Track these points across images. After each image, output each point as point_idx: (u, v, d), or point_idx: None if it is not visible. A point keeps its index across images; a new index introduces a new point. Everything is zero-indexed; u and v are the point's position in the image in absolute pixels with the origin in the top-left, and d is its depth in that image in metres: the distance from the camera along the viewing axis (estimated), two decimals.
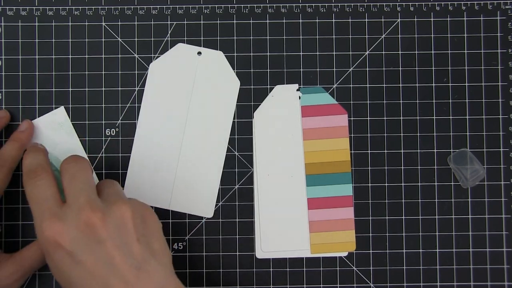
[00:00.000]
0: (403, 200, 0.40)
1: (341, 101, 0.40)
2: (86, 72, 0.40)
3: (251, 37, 0.40)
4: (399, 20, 0.40)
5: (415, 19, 0.40)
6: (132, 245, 0.30)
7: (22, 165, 0.33)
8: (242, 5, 0.40)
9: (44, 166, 0.33)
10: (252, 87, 0.40)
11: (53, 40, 0.40)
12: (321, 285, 0.39)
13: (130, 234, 0.30)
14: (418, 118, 0.40)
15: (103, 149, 0.40)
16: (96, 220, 0.29)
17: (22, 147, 0.37)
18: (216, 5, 0.40)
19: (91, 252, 0.29)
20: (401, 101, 0.40)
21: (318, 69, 0.40)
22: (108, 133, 0.40)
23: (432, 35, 0.40)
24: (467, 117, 0.40)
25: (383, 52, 0.40)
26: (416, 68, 0.40)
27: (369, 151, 0.40)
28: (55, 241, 0.29)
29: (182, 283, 0.39)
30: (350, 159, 0.40)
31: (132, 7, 0.40)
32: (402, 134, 0.40)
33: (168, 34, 0.40)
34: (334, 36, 0.40)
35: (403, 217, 0.40)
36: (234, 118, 0.40)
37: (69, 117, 0.40)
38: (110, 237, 0.29)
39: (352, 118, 0.40)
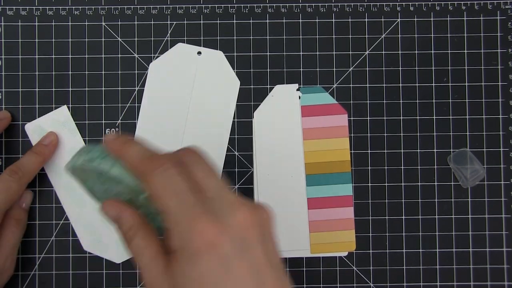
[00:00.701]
0: (403, 200, 0.40)
1: (341, 101, 0.40)
2: (86, 72, 0.40)
3: (251, 37, 0.40)
4: (399, 20, 0.40)
5: (415, 19, 0.40)
6: (274, 254, 0.26)
7: (127, 161, 0.26)
8: (242, 5, 0.40)
9: (163, 154, 0.27)
10: (252, 87, 0.40)
11: (53, 40, 0.40)
12: (321, 285, 0.39)
13: (270, 242, 0.26)
14: (418, 118, 0.40)
15: None
16: (251, 220, 0.25)
17: (44, 161, 0.38)
18: (216, 5, 0.40)
19: (243, 258, 0.25)
20: (401, 101, 0.40)
21: (318, 69, 0.40)
22: (108, 133, 0.40)
23: (432, 35, 0.40)
24: (467, 117, 0.40)
25: (383, 52, 0.40)
26: (416, 68, 0.40)
27: (369, 151, 0.40)
28: (212, 243, 0.24)
29: None
30: (350, 159, 0.40)
31: (132, 7, 0.40)
32: (402, 134, 0.40)
33: (168, 34, 0.40)
34: (334, 36, 0.40)
35: (403, 217, 0.40)
36: (234, 118, 0.40)
37: None
38: (259, 242, 0.25)
39: (352, 118, 0.40)
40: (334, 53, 0.40)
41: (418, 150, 0.40)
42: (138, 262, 0.26)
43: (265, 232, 0.26)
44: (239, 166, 0.40)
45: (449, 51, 0.40)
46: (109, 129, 0.40)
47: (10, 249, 0.37)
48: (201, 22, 0.40)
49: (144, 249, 0.26)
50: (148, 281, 0.26)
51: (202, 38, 0.40)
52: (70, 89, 0.40)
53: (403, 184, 0.40)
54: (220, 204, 0.25)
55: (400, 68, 0.40)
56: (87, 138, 0.40)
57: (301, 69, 0.40)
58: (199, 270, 0.24)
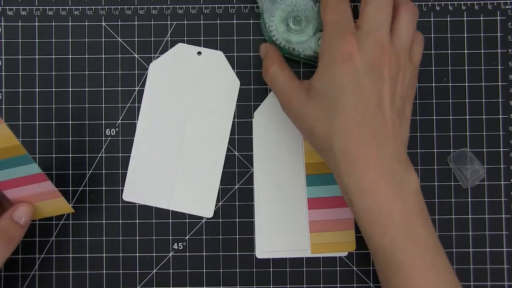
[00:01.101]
0: None
1: None
2: (86, 72, 0.40)
3: (251, 37, 0.40)
4: None
5: None
6: (397, 97, 0.32)
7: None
8: (242, 5, 0.40)
9: None
10: (252, 87, 0.40)
11: (53, 40, 0.40)
12: (321, 285, 0.39)
13: (399, 88, 0.32)
14: (418, 118, 0.40)
15: (103, 149, 0.40)
16: (386, 59, 0.31)
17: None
18: (216, 5, 0.40)
19: (372, 80, 0.30)
20: None
21: None
22: (108, 133, 0.40)
23: (432, 35, 0.40)
24: (467, 117, 0.40)
25: None
26: None
27: None
28: (349, 54, 0.30)
29: (182, 283, 0.40)
30: None
31: (132, 7, 0.40)
32: None
33: (168, 34, 0.40)
34: None
35: None
36: (234, 118, 0.40)
37: (69, 117, 0.40)
38: (389, 78, 0.31)
39: None
40: None
41: (418, 150, 0.40)
42: (275, 84, 0.34)
43: (399, 74, 0.32)
44: (239, 166, 0.40)
45: (449, 51, 0.40)
46: (109, 129, 0.40)
47: None
48: (201, 22, 0.40)
49: (278, 74, 0.34)
50: (285, 96, 0.34)
51: (202, 38, 0.40)
52: (70, 89, 0.40)
53: None
54: (370, 37, 0.31)
55: None
56: (87, 139, 0.40)
57: (301, 69, 0.40)
58: (335, 74, 0.31)
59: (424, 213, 0.32)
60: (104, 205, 0.39)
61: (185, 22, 0.40)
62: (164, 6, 0.40)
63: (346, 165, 0.31)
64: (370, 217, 0.30)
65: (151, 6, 0.40)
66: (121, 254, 0.39)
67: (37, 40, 0.40)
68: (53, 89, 0.40)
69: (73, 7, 0.40)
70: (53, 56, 0.40)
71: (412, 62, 0.34)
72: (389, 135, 0.31)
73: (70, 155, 0.39)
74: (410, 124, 0.40)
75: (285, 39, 0.37)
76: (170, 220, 0.39)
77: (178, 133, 0.39)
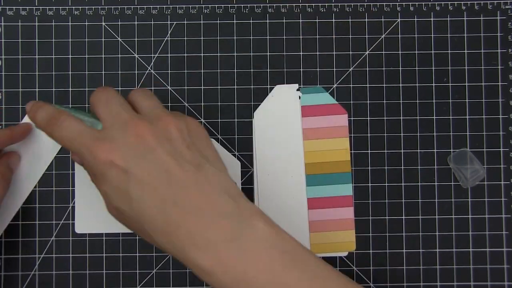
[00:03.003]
0: (403, 200, 0.40)
1: (341, 101, 0.40)
2: (86, 72, 0.40)
3: (251, 37, 0.40)
4: (399, 20, 0.40)
5: (415, 19, 0.40)
6: (183, 152, 0.29)
7: (36, 123, 0.32)
8: (242, 5, 0.40)
9: (58, 109, 0.32)
10: (252, 87, 0.40)
11: (53, 40, 0.40)
12: None
13: (179, 143, 0.29)
14: (418, 118, 0.40)
15: None
16: (144, 128, 0.29)
17: (12, 137, 0.36)
18: (216, 5, 0.40)
19: (145, 163, 0.28)
20: (401, 101, 0.40)
21: (318, 69, 0.40)
22: None
23: (432, 35, 0.40)
24: (467, 117, 0.40)
25: (383, 52, 0.40)
26: (416, 68, 0.40)
27: (369, 151, 0.40)
28: (109, 161, 0.28)
29: (182, 283, 0.39)
30: (350, 159, 0.40)
31: (132, 7, 0.40)
32: (402, 134, 0.40)
33: (168, 34, 0.40)
34: (334, 36, 0.40)
35: (403, 217, 0.40)
36: (234, 118, 0.40)
37: None
38: (161, 145, 0.28)
39: (352, 118, 0.40)
40: (334, 53, 0.40)
41: (418, 150, 0.40)
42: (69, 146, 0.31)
43: (169, 134, 0.29)
44: None
45: (449, 51, 0.40)
46: None
47: None
48: (201, 22, 0.40)
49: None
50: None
51: (202, 38, 0.40)
52: (70, 89, 0.40)
53: (403, 184, 0.40)
54: (118, 124, 0.29)
55: (400, 68, 0.40)
56: None
57: (301, 69, 0.40)
58: (110, 184, 0.28)
59: (287, 255, 0.28)
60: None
61: (185, 22, 0.40)
62: (164, 6, 0.40)
63: (182, 255, 0.28)
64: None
65: (151, 6, 0.40)
66: (121, 254, 0.39)
67: (37, 40, 0.40)
68: (53, 89, 0.40)
69: (73, 7, 0.40)
70: (53, 56, 0.40)
71: (159, 116, 0.30)
72: (198, 197, 0.28)
73: (70, 155, 0.39)
74: (410, 124, 0.40)
75: None
76: None
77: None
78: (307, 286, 0.27)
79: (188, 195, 0.28)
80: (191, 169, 0.28)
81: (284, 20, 0.40)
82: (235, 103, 0.40)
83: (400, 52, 0.40)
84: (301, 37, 0.40)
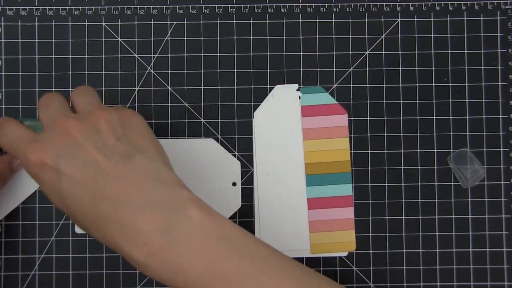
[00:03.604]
0: (403, 200, 0.40)
1: (341, 101, 0.40)
2: (86, 72, 0.40)
3: (251, 37, 0.40)
4: (399, 20, 0.40)
5: (415, 19, 0.40)
6: (112, 145, 0.29)
7: None
8: (242, 5, 0.40)
9: (5, 118, 0.33)
10: (252, 87, 0.40)
11: (53, 40, 0.40)
12: None
13: (108, 135, 0.29)
14: (418, 118, 0.40)
15: None
16: (71, 125, 0.29)
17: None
18: (216, 5, 0.40)
19: (73, 160, 0.28)
20: (401, 101, 0.40)
21: (318, 69, 0.40)
22: None
23: (432, 35, 0.40)
24: (467, 117, 0.40)
25: (383, 52, 0.40)
26: (416, 68, 0.40)
27: (369, 151, 0.40)
28: (40, 162, 0.28)
29: None
30: (350, 159, 0.40)
31: (132, 7, 0.40)
32: (402, 134, 0.40)
33: (168, 34, 0.40)
34: (334, 36, 0.40)
35: (403, 217, 0.40)
36: (234, 118, 0.40)
37: None
38: (88, 140, 0.28)
39: (352, 118, 0.40)
40: (334, 53, 0.40)
41: (418, 150, 0.40)
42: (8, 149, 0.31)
43: (99, 125, 0.29)
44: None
45: (449, 51, 0.40)
46: None
47: None
48: (201, 22, 0.40)
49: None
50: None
51: (202, 38, 0.40)
52: (70, 89, 0.40)
53: (403, 184, 0.40)
54: (51, 125, 0.30)
55: (400, 68, 0.40)
56: None
57: (301, 69, 0.40)
58: (43, 187, 0.29)
59: (224, 242, 0.27)
60: None
61: (185, 22, 0.40)
62: (164, 6, 0.40)
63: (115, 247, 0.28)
64: (169, 281, 0.27)
65: (151, 6, 0.40)
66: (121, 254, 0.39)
67: (37, 40, 0.40)
68: (53, 89, 0.40)
69: (73, 7, 0.40)
70: (53, 56, 0.40)
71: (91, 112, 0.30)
72: (124, 188, 0.27)
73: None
74: (410, 124, 0.40)
75: None
76: None
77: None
78: (246, 270, 0.26)
79: (117, 187, 0.27)
80: (120, 160, 0.28)
81: (284, 20, 0.40)
82: (235, 103, 0.40)
83: (400, 52, 0.40)
84: (301, 37, 0.40)
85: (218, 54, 0.40)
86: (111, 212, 0.27)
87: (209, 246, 0.27)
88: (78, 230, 0.39)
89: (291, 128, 0.40)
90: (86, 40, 0.40)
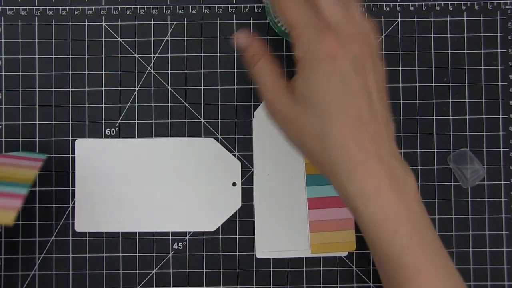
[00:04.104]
0: None
1: None
2: (86, 72, 0.40)
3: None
4: (399, 20, 0.40)
5: (415, 19, 0.40)
6: (382, 90, 0.30)
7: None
8: (242, 5, 0.40)
9: None
10: (252, 87, 0.40)
11: (53, 40, 0.40)
12: (321, 285, 0.39)
13: (381, 78, 0.30)
14: (418, 118, 0.40)
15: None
16: (368, 49, 0.29)
17: None
18: (216, 5, 0.40)
19: (358, 76, 0.29)
20: (401, 101, 0.40)
21: None
22: (108, 133, 0.40)
23: (432, 35, 0.40)
24: (467, 117, 0.40)
25: (383, 52, 0.40)
26: (416, 68, 0.40)
27: None
28: (334, 54, 0.28)
29: (182, 283, 0.39)
30: None
31: (132, 7, 0.40)
32: (402, 134, 0.40)
33: (168, 34, 0.40)
34: None
35: None
36: (234, 118, 0.40)
37: (69, 117, 0.40)
38: (372, 69, 0.29)
39: None
40: None
41: (418, 150, 0.40)
42: (260, 81, 0.32)
43: (376, 63, 0.30)
44: None
45: (449, 51, 0.40)
46: (109, 129, 0.40)
47: None
48: (201, 22, 0.40)
49: (265, 69, 0.32)
50: (269, 96, 0.31)
51: (202, 38, 0.40)
52: (70, 89, 0.40)
53: None
54: (341, 31, 0.29)
55: (400, 68, 0.40)
56: (87, 138, 0.40)
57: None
58: (320, 76, 0.28)
59: (426, 214, 0.31)
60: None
61: (185, 22, 0.40)
62: (164, 6, 0.40)
63: (347, 170, 0.29)
64: (377, 223, 0.29)
65: (151, 6, 0.40)
66: (121, 254, 0.39)
67: (37, 40, 0.40)
68: (53, 89, 0.40)
69: (73, 7, 0.40)
70: (53, 56, 0.40)
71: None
72: (383, 133, 0.29)
73: (70, 155, 0.39)
74: (410, 124, 0.40)
75: None
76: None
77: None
78: (438, 247, 0.30)
79: (378, 128, 0.29)
80: (384, 110, 0.30)
81: None
82: (235, 103, 0.40)
83: (400, 52, 0.40)
84: None
85: (218, 54, 0.40)
86: (367, 143, 0.29)
87: (419, 211, 0.30)
88: (78, 228, 0.39)
89: None
90: (86, 40, 0.40)
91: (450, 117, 0.40)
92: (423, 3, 0.40)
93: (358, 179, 0.28)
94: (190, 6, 0.40)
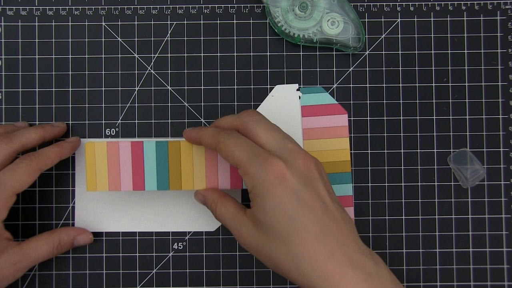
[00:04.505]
0: (403, 200, 0.40)
1: (341, 101, 0.40)
2: (86, 72, 0.40)
3: (251, 37, 0.40)
4: (399, 20, 0.40)
5: (415, 19, 0.40)
6: (331, 192, 0.32)
7: (204, 140, 0.33)
8: (242, 5, 0.40)
9: (227, 119, 0.34)
10: (252, 87, 0.40)
11: (53, 40, 0.40)
12: None
13: (327, 183, 0.32)
14: (418, 118, 0.40)
15: None
16: (311, 161, 0.31)
17: (62, 153, 0.37)
18: (216, 5, 0.40)
19: (310, 189, 0.30)
20: (401, 101, 0.40)
21: (318, 69, 0.40)
22: (108, 133, 0.40)
23: (432, 35, 0.40)
24: (467, 117, 0.40)
25: (383, 52, 0.40)
26: (416, 68, 0.40)
27: (369, 151, 0.40)
28: (282, 175, 0.30)
29: (182, 283, 0.39)
30: (350, 159, 0.40)
31: (132, 7, 0.40)
32: (402, 134, 0.40)
33: (168, 34, 0.40)
34: None
35: (403, 217, 0.40)
36: None
37: (69, 117, 0.40)
38: (320, 178, 0.31)
39: (352, 118, 0.40)
40: (334, 53, 0.40)
41: (418, 150, 0.40)
42: (225, 222, 0.33)
43: (322, 173, 0.32)
44: None
45: (449, 51, 0.40)
46: (109, 129, 0.40)
47: (31, 260, 0.35)
48: (201, 22, 0.40)
49: (226, 211, 0.33)
50: (236, 232, 0.32)
51: (202, 38, 0.40)
52: (70, 89, 0.40)
53: (403, 184, 0.40)
54: (282, 153, 0.31)
55: (400, 68, 0.40)
56: (87, 139, 0.40)
57: (301, 69, 0.40)
58: (273, 200, 0.30)
59: None
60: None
61: (185, 22, 0.40)
62: (164, 6, 0.40)
63: (321, 281, 0.29)
64: None
65: (151, 6, 0.40)
66: (121, 254, 0.39)
67: (37, 40, 0.40)
68: (53, 89, 0.40)
69: (73, 7, 0.40)
70: (53, 56, 0.40)
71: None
72: (346, 233, 0.30)
73: (70, 155, 0.39)
74: (410, 124, 0.40)
75: (295, 28, 0.38)
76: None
77: None
78: None
79: (341, 230, 0.30)
80: (339, 207, 0.31)
81: None
82: (235, 103, 0.40)
83: (400, 52, 0.40)
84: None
85: (218, 54, 0.40)
86: (333, 249, 0.29)
87: None
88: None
89: (291, 128, 0.40)
90: (86, 40, 0.40)
91: (450, 117, 0.40)
92: (423, 3, 0.40)
93: (335, 287, 0.29)
94: (190, 6, 0.40)
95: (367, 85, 0.40)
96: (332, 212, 0.30)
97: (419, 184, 0.40)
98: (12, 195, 0.34)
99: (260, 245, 0.31)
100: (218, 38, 0.40)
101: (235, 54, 0.40)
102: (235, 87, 0.40)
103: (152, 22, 0.40)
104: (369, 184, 0.40)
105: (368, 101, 0.40)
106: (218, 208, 0.34)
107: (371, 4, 0.40)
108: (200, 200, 0.36)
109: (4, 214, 0.34)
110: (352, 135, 0.40)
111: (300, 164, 0.30)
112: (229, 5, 0.40)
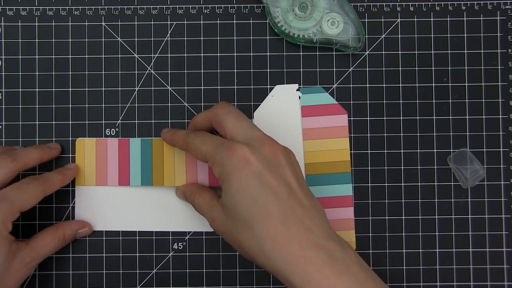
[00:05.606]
0: (403, 200, 0.40)
1: (341, 101, 0.40)
2: (86, 72, 0.40)
3: (251, 37, 0.40)
4: (399, 20, 0.40)
5: (415, 19, 0.40)
6: (301, 179, 0.32)
7: (177, 143, 0.36)
8: (242, 5, 0.40)
9: (200, 116, 0.36)
10: (252, 87, 0.40)
11: (53, 40, 0.40)
12: None
13: (298, 170, 0.32)
14: (418, 118, 0.40)
15: None
16: (278, 148, 0.32)
17: (64, 181, 0.38)
18: (216, 5, 0.40)
19: (275, 174, 0.30)
20: (401, 101, 0.40)
21: (318, 69, 0.40)
22: (108, 133, 0.40)
23: (432, 35, 0.40)
24: (467, 117, 0.40)
25: (383, 52, 0.40)
26: (416, 68, 0.40)
27: (369, 151, 0.40)
28: (246, 159, 0.30)
29: (182, 283, 0.39)
30: (350, 159, 0.40)
31: (132, 7, 0.40)
32: (402, 134, 0.40)
33: (168, 34, 0.40)
34: None
35: (403, 217, 0.40)
36: None
37: (69, 117, 0.40)
38: (287, 164, 0.31)
39: (352, 118, 0.40)
40: (334, 53, 0.40)
41: (418, 150, 0.40)
42: (202, 212, 0.35)
43: (291, 160, 0.32)
44: None
45: (449, 51, 0.40)
46: (109, 129, 0.40)
47: (40, 258, 0.36)
48: (201, 22, 0.40)
49: (202, 202, 0.35)
50: (209, 219, 0.33)
51: (202, 38, 0.40)
52: (70, 89, 0.40)
53: (403, 184, 0.40)
54: (249, 140, 0.32)
55: (400, 68, 0.40)
56: (87, 138, 0.40)
57: (301, 69, 0.40)
58: (238, 184, 0.30)
59: (375, 276, 0.31)
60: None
61: (185, 22, 0.40)
62: (164, 6, 0.40)
63: (286, 264, 0.29)
64: None
65: (151, 6, 0.40)
66: (121, 254, 0.39)
67: (37, 40, 0.40)
68: (53, 89, 0.40)
69: (73, 7, 0.40)
70: (53, 56, 0.40)
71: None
72: (314, 217, 0.30)
73: (70, 155, 0.39)
74: (410, 124, 0.40)
75: (295, 28, 0.38)
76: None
77: None
78: None
79: (308, 214, 0.30)
80: (307, 192, 0.32)
81: None
82: (235, 103, 0.40)
83: (400, 52, 0.40)
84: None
85: (218, 54, 0.40)
86: (297, 232, 0.29)
87: (367, 280, 0.30)
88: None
89: (291, 128, 0.40)
90: (86, 40, 0.40)
91: (450, 117, 0.40)
92: (423, 3, 0.40)
93: (300, 270, 0.29)
94: (190, 6, 0.40)
95: (367, 85, 0.40)
96: (299, 197, 0.31)
97: (419, 184, 0.40)
98: (18, 212, 0.34)
99: (229, 229, 0.31)
100: (218, 38, 0.40)
101: (235, 54, 0.40)
102: (235, 87, 0.40)
103: (152, 22, 0.40)
104: (369, 184, 0.40)
105: (368, 101, 0.40)
106: (196, 199, 0.35)
107: (371, 4, 0.40)
108: (180, 195, 0.38)
109: (10, 227, 0.34)
110: (352, 135, 0.40)
111: (266, 149, 0.31)
112: (229, 5, 0.40)
